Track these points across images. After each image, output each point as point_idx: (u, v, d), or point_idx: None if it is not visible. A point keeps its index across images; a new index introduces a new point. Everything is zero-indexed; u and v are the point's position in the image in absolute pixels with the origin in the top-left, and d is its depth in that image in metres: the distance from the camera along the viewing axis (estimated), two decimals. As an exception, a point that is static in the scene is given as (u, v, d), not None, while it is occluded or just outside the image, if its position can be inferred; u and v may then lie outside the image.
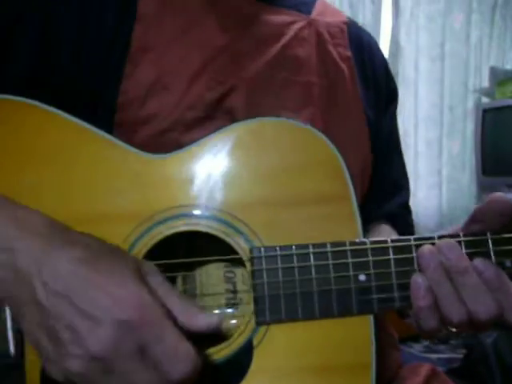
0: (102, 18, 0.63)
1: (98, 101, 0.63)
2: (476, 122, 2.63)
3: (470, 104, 2.84)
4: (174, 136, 0.62)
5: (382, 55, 0.86)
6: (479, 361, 1.75)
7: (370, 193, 0.77)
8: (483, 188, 2.57)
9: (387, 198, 0.82)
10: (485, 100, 2.79)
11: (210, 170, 0.57)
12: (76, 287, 0.44)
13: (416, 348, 2.16)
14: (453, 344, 2.16)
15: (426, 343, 2.20)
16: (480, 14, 2.93)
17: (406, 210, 0.86)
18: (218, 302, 0.64)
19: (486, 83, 2.82)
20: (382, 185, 0.81)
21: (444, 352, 2.12)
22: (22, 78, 0.63)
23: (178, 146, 0.58)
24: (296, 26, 0.73)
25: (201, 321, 0.48)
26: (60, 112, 0.58)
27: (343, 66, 0.75)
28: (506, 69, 2.82)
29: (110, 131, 0.58)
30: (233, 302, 0.64)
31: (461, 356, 1.94)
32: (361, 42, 0.80)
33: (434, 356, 2.08)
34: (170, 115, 0.63)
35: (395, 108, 0.87)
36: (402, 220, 0.83)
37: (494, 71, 2.73)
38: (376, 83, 0.80)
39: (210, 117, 0.64)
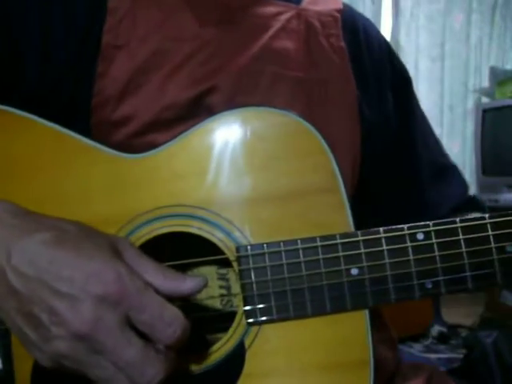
0: (70, 18, 0.62)
1: (74, 104, 0.61)
2: (476, 122, 2.62)
3: (470, 104, 2.84)
4: (152, 136, 0.60)
5: (383, 39, 0.78)
6: (479, 361, 1.74)
7: (419, 186, 0.75)
8: (483, 188, 2.55)
9: (443, 182, 0.79)
10: (485, 100, 2.78)
11: (190, 168, 0.55)
12: (47, 268, 0.44)
13: (416, 348, 2.15)
14: (453, 344, 2.16)
15: (427, 343, 2.19)
16: (480, 14, 2.93)
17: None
18: (213, 304, 0.62)
19: (485, 83, 2.82)
20: (429, 172, 0.79)
21: (444, 352, 2.11)
22: None
23: (157, 145, 0.56)
24: (284, 17, 0.69)
25: (187, 284, 0.47)
26: (37, 118, 0.55)
27: (335, 58, 0.71)
28: (506, 69, 2.81)
29: (88, 133, 0.57)
30: (228, 303, 0.62)
31: (461, 356, 1.93)
32: (356, 28, 0.75)
33: (434, 356, 2.07)
34: (147, 114, 0.61)
35: (410, 91, 0.80)
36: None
37: (493, 71, 2.72)
38: (376, 70, 0.75)
39: (191, 115, 0.61)
